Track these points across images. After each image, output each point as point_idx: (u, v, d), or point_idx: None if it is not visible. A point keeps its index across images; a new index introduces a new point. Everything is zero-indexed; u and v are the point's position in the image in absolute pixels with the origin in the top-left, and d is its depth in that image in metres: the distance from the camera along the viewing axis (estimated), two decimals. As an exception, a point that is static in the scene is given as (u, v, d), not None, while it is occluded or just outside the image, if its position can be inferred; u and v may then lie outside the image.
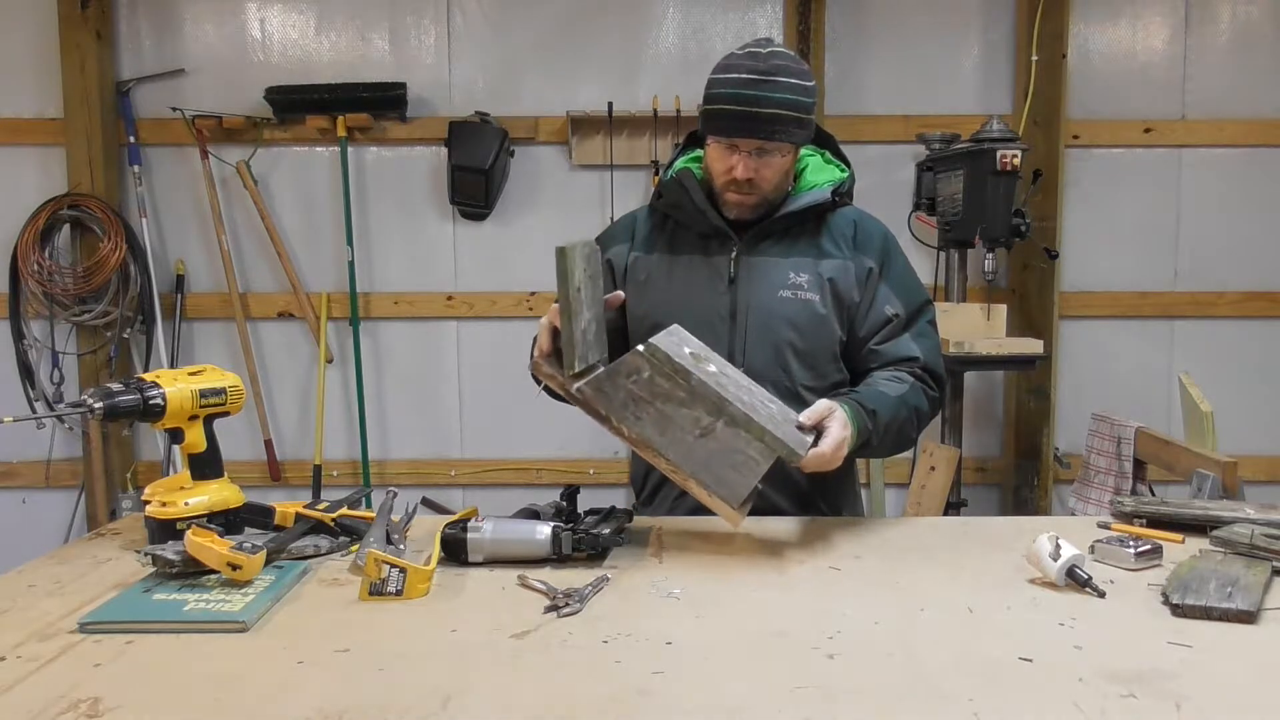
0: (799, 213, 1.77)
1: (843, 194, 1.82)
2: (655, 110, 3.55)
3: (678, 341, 1.52)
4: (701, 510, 1.66)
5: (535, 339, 1.61)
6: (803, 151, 1.83)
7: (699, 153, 1.86)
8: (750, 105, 1.66)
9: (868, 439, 1.60)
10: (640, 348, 1.44)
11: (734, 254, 1.77)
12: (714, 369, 1.49)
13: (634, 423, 1.47)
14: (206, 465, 1.54)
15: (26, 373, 3.63)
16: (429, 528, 1.53)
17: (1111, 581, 1.35)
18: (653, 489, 1.86)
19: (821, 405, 1.55)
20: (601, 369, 1.50)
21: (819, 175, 1.83)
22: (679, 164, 1.87)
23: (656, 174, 3.58)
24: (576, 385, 1.49)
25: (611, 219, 3.49)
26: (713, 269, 1.78)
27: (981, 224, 3.18)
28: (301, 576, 1.40)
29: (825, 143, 1.89)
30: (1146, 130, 3.67)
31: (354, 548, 1.50)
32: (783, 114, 1.68)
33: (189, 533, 1.34)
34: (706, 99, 1.73)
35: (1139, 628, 1.20)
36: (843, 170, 1.85)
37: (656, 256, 1.82)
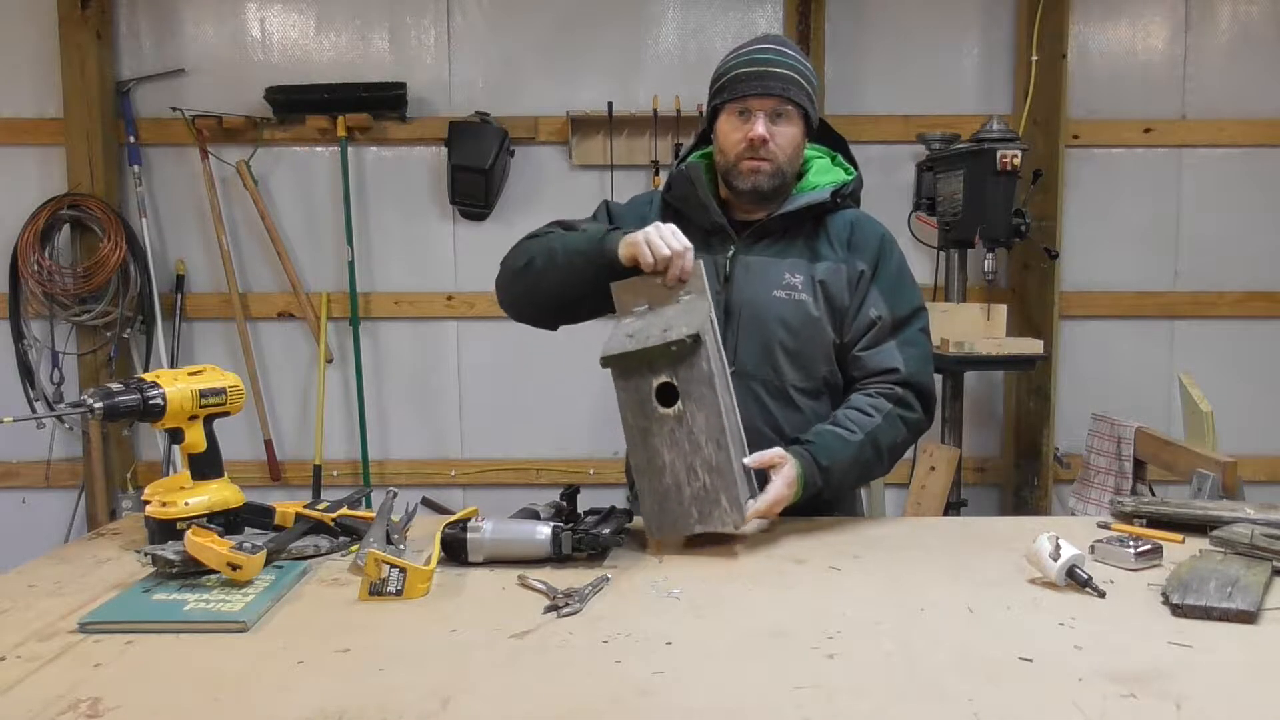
0: (796, 213, 1.77)
1: (845, 196, 1.82)
2: (655, 110, 3.55)
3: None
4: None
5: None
6: (810, 153, 1.84)
7: (707, 149, 1.86)
8: (764, 66, 1.72)
9: (817, 492, 1.61)
10: (606, 356, 1.45)
11: (731, 253, 1.78)
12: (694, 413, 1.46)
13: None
14: (206, 465, 1.54)
15: (26, 373, 3.63)
16: (429, 528, 1.53)
17: (1111, 581, 1.35)
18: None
19: (773, 454, 1.55)
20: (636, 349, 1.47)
21: (822, 176, 1.83)
22: (690, 159, 1.87)
23: (657, 174, 3.58)
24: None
25: (611, 219, 3.49)
26: (713, 266, 1.78)
27: (981, 224, 3.17)
28: (301, 576, 1.40)
29: (837, 146, 1.90)
30: (1146, 130, 3.67)
31: (354, 548, 1.50)
32: (794, 77, 1.72)
33: (189, 533, 1.34)
34: (718, 76, 1.77)
35: (1139, 628, 1.20)
36: (848, 173, 1.86)
37: None
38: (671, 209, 1.86)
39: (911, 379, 1.72)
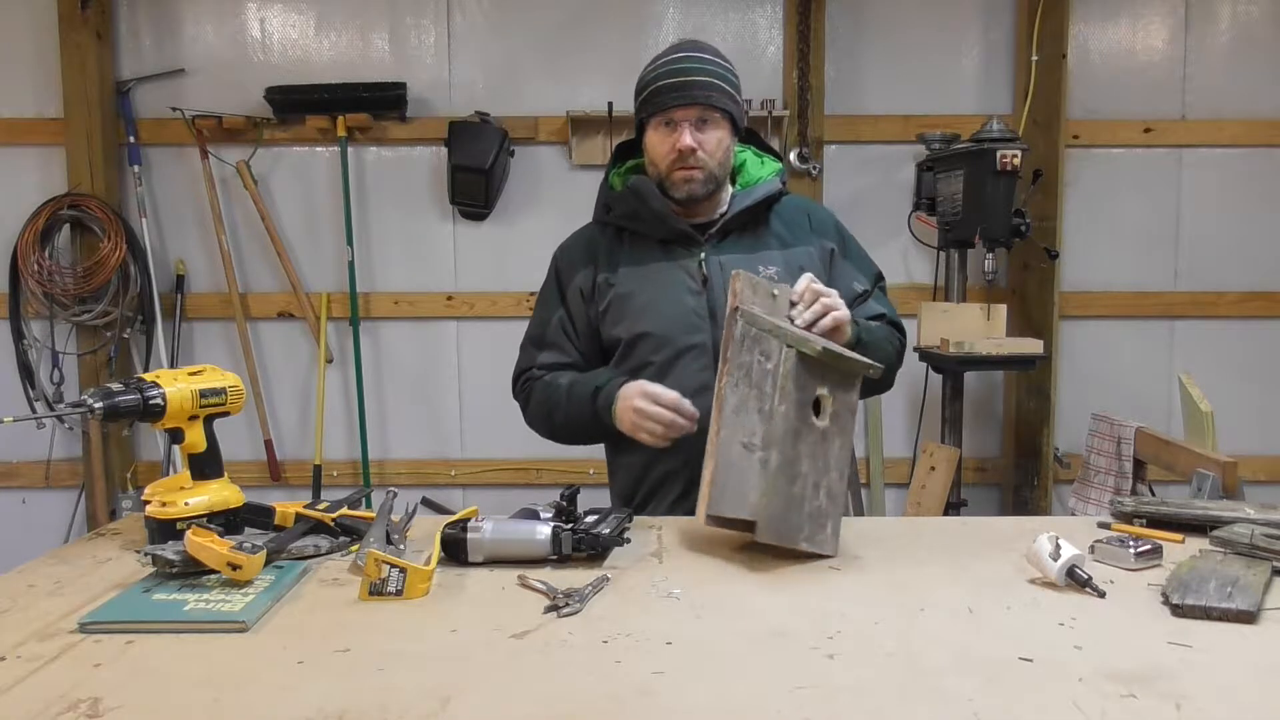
0: (754, 206, 1.83)
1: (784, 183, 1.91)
2: (655, 110, 3.55)
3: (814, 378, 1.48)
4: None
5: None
6: (735, 148, 1.88)
7: (631, 163, 1.88)
8: (683, 75, 1.74)
9: (858, 334, 1.69)
10: (808, 350, 1.41)
11: (703, 255, 1.79)
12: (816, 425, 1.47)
13: (730, 383, 1.48)
14: (206, 465, 1.54)
15: (26, 373, 3.63)
16: (429, 528, 1.53)
17: (1111, 581, 1.35)
18: (642, 501, 1.87)
19: (807, 278, 1.63)
20: (772, 325, 1.47)
21: (760, 170, 1.89)
22: (615, 177, 1.90)
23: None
24: (742, 310, 1.49)
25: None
26: (684, 272, 1.81)
27: (981, 224, 3.18)
28: (301, 576, 1.40)
29: (750, 138, 1.94)
30: (1146, 130, 3.67)
31: (354, 548, 1.50)
32: (715, 82, 1.75)
33: (189, 533, 1.34)
34: (640, 89, 1.80)
35: (1139, 628, 1.20)
36: (777, 161, 1.92)
37: (624, 270, 1.83)
38: (615, 229, 1.87)
39: (893, 321, 1.88)
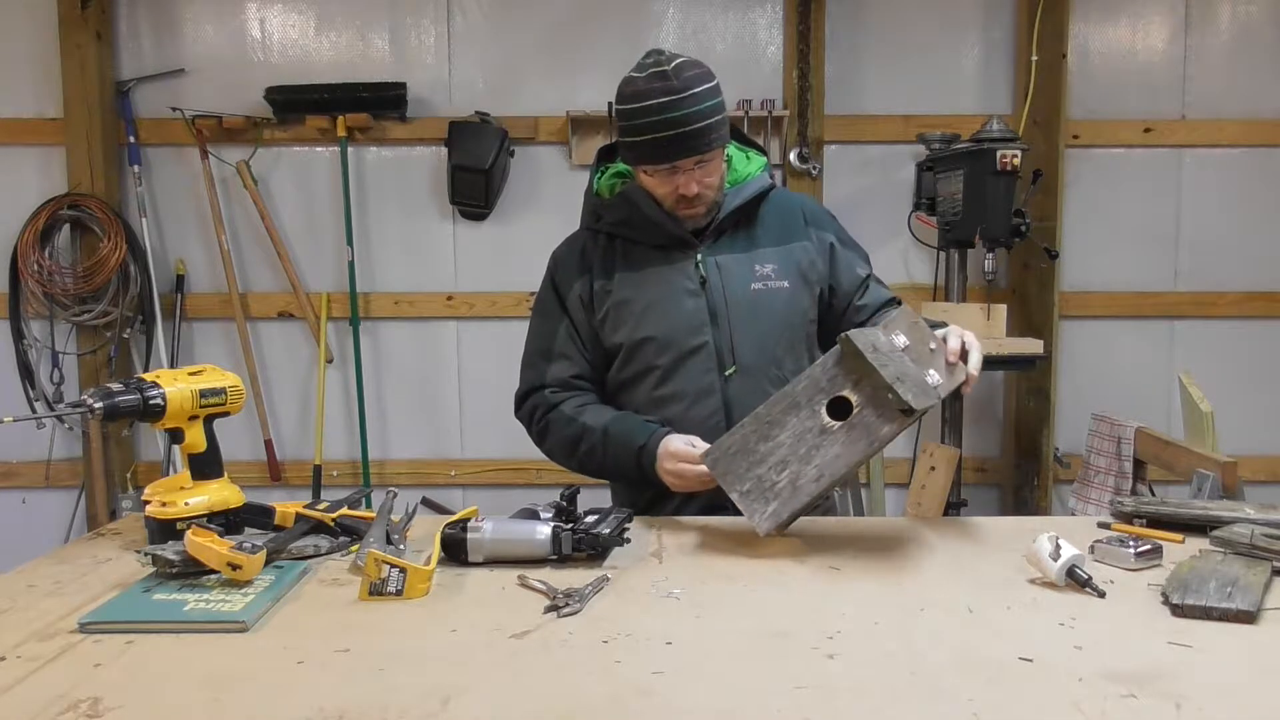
0: (745, 204, 1.82)
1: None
2: (655, 110, 3.54)
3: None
4: (702, 511, 1.67)
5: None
6: None
7: (618, 167, 1.86)
8: (679, 127, 1.66)
9: None
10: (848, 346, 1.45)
11: (699, 257, 1.79)
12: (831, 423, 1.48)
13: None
14: (206, 465, 1.54)
15: (26, 373, 3.63)
16: (429, 528, 1.53)
17: (1111, 581, 1.35)
18: (645, 507, 1.86)
19: (958, 333, 1.60)
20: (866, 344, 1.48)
21: (747, 166, 1.87)
22: (601, 182, 1.88)
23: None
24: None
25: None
26: (682, 275, 1.79)
27: (981, 224, 3.17)
28: (301, 576, 1.40)
29: (731, 133, 1.90)
30: (1146, 130, 3.67)
31: (354, 548, 1.50)
32: (710, 123, 1.69)
33: (189, 533, 1.34)
34: (629, 130, 1.71)
35: (1139, 628, 1.20)
36: (762, 155, 1.91)
37: (620, 276, 1.81)
38: (607, 236, 1.85)
39: (899, 300, 1.86)
